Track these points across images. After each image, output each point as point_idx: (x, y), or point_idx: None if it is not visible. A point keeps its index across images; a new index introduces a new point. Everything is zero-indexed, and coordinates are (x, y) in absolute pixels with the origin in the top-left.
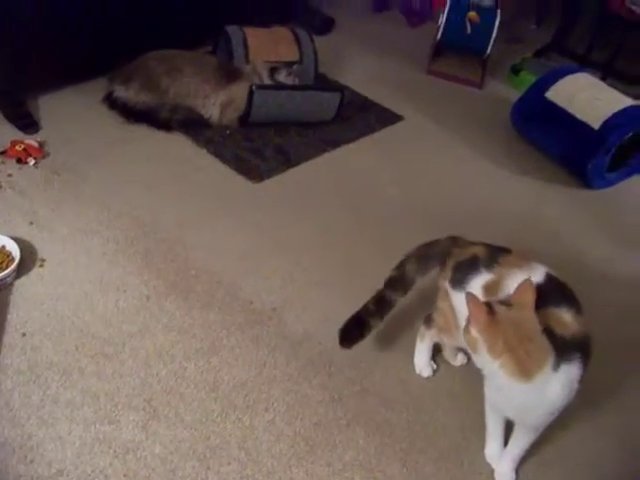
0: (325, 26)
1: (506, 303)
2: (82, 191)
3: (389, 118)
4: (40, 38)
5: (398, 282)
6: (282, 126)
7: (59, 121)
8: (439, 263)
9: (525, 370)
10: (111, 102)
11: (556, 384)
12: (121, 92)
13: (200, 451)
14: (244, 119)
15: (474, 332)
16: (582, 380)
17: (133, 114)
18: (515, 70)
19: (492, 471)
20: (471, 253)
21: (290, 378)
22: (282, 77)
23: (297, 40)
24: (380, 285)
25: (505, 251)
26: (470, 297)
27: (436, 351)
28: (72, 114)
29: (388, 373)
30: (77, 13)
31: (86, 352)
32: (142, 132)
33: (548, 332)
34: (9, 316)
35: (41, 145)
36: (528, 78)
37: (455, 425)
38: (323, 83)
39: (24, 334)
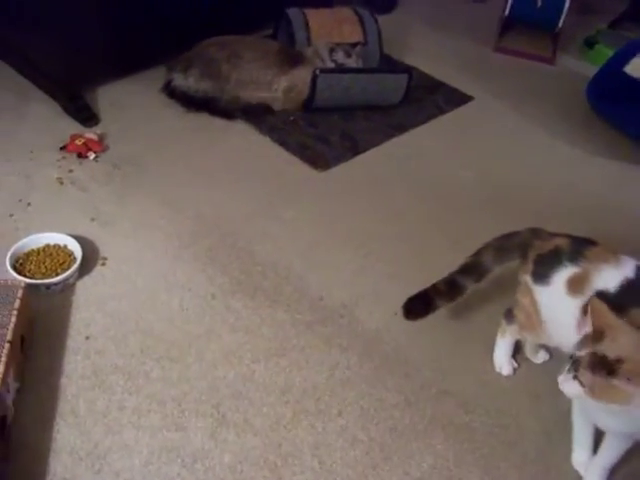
0: (388, 4)
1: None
2: (143, 184)
3: (458, 99)
4: (95, 28)
5: (472, 268)
6: (347, 111)
7: (118, 113)
8: (519, 255)
9: None
10: (170, 91)
11: None
12: (180, 80)
13: (271, 459)
14: (308, 104)
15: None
16: None
17: (193, 103)
18: (589, 43)
19: (581, 479)
20: (554, 245)
21: (364, 380)
22: (340, 57)
23: (360, 20)
24: None
25: (591, 243)
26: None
27: (517, 349)
28: (131, 105)
29: (467, 373)
30: (132, 2)
31: (151, 355)
32: (203, 121)
33: None
34: (72, 318)
35: (101, 138)
36: (604, 51)
37: (539, 428)
38: (388, 64)
39: (87, 337)
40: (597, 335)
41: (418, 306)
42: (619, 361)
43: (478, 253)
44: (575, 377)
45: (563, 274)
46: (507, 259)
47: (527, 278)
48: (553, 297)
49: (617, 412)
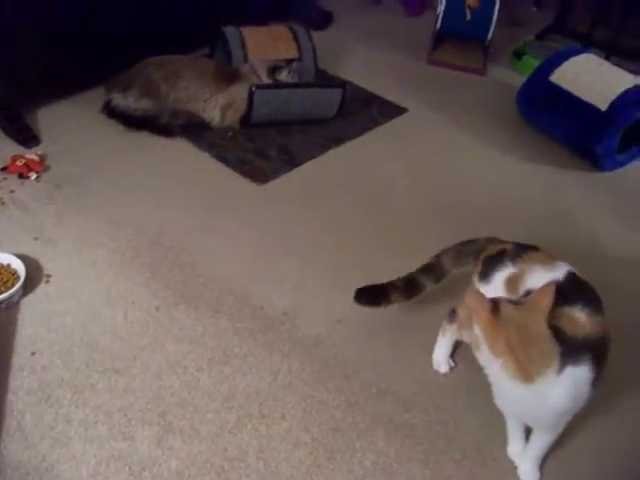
0: (323, 21)
1: (516, 303)
2: (85, 203)
3: (393, 111)
4: (34, 51)
5: (432, 268)
6: (284, 125)
7: (59, 133)
8: (474, 259)
9: (525, 373)
10: (110, 111)
11: (559, 388)
12: (120, 100)
13: (217, 464)
14: (245, 120)
15: (476, 329)
16: (596, 382)
17: (133, 121)
18: (518, 54)
19: (517, 469)
20: (501, 248)
21: (305, 384)
22: (283, 76)
23: (295, 37)
24: None
25: (532, 248)
26: (474, 293)
27: (455, 349)
28: (71, 125)
29: (405, 373)
30: (70, 24)
31: (97, 368)
32: (143, 139)
33: (558, 332)
34: (17, 335)
35: (42, 159)
36: (531, 62)
37: (476, 423)
38: (324, 79)
39: (33, 353)
40: None
41: (372, 294)
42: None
43: (438, 256)
44: None
45: (503, 274)
46: (464, 262)
47: (474, 278)
48: (492, 295)
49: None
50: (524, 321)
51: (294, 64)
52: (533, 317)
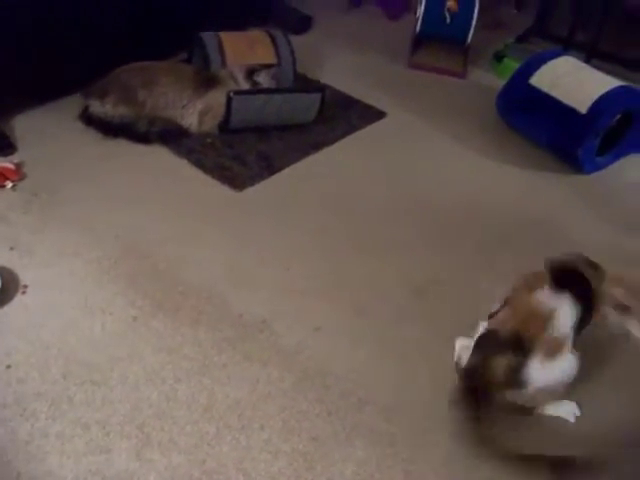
0: (303, 25)
1: None
2: (62, 212)
3: (372, 115)
4: (10, 57)
5: None
6: (263, 131)
7: (35, 141)
8: None
9: None
10: (87, 118)
11: None
12: (97, 107)
13: (196, 476)
14: (224, 126)
15: None
16: None
17: (111, 129)
18: (498, 57)
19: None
20: None
21: (285, 393)
22: (262, 78)
23: (274, 42)
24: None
25: None
26: None
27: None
28: (48, 133)
29: (385, 382)
30: (47, 31)
31: (74, 380)
32: (121, 147)
33: None
34: None
35: (18, 167)
36: (512, 65)
37: (457, 430)
38: (303, 84)
39: (9, 366)
40: None
41: None
42: None
43: None
44: None
45: None
46: None
47: None
48: None
49: None
50: None
51: (273, 68)
52: None
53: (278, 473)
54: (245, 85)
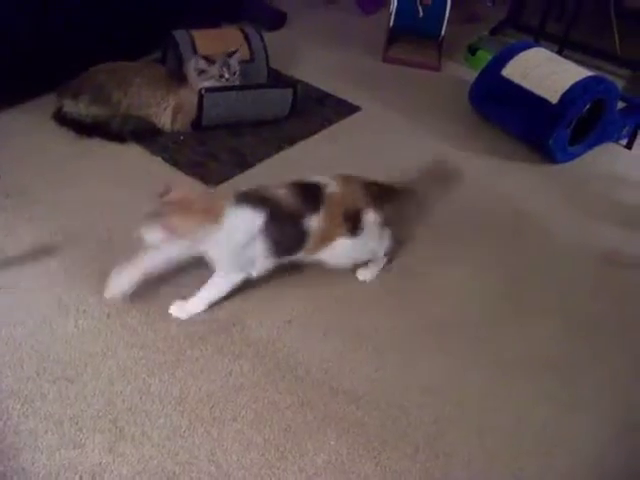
0: (277, 21)
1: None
2: (35, 212)
3: (346, 109)
4: None
5: None
6: (236, 127)
7: (8, 141)
8: None
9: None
10: (61, 118)
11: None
12: (71, 107)
13: (169, 468)
14: (196, 123)
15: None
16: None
17: (84, 128)
18: (472, 50)
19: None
20: None
21: (257, 385)
22: (233, 60)
23: (247, 38)
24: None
25: None
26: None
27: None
28: (21, 133)
29: (356, 371)
30: (19, 30)
31: (47, 377)
32: (95, 146)
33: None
34: None
35: None
36: (485, 57)
37: (428, 418)
38: (277, 79)
39: None
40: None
41: None
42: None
43: None
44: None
45: None
46: None
47: None
48: None
49: None
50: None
51: (235, 55)
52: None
53: (250, 464)
54: (217, 70)
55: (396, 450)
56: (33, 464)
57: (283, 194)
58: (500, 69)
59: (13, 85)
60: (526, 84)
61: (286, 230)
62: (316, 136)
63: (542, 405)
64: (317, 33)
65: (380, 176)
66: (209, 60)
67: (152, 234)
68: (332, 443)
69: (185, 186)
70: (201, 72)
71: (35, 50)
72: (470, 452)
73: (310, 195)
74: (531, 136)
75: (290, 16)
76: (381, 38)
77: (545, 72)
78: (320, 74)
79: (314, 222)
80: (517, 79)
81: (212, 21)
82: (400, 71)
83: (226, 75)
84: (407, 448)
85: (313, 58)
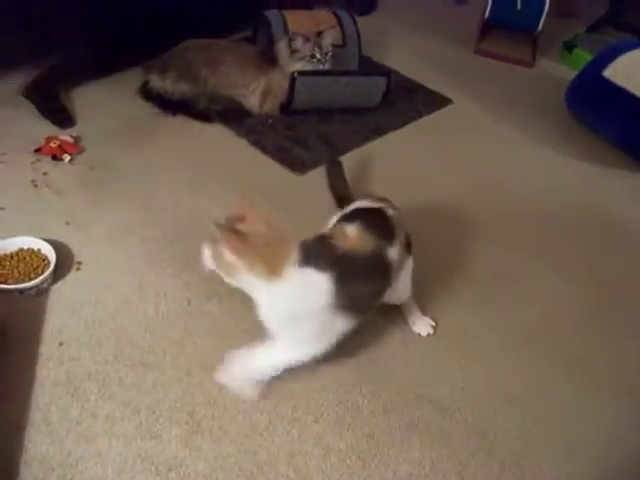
0: (367, 6)
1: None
2: (119, 188)
3: (437, 102)
4: (75, 29)
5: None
6: (325, 113)
7: (94, 114)
8: None
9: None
10: (146, 93)
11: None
12: (157, 82)
13: (247, 467)
14: (286, 107)
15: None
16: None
17: (170, 105)
18: (568, 47)
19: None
20: None
21: (340, 386)
22: (325, 40)
23: (339, 22)
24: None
25: None
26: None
27: None
28: (107, 107)
29: (443, 379)
30: (110, 4)
31: (125, 362)
32: (179, 124)
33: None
34: (45, 324)
35: (76, 140)
36: (583, 55)
37: (515, 433)
38: (368, 66)
39: (61, 343)
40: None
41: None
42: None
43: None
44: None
45: None
46: None
47: None
48: None
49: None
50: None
51: (324, 34)
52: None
53: (330, 470)
54: (309, 49)
55: (481, 466)
56: (110, 450)
57: (356, 236)
58: (602, 69)
59: (102, 58)
60: (630, 87)
61: (367, 278)
62: (406, 128)
63: (635, 431)
64: (407, 20)
65: (471, 179)
66: (305, 37)
67: (204, 256)
68: (416, 454)
69: (263, 216)
70: (294, 51)
71: (125, 24)
72: (559, 474)
73: (380, 224)
74: (632, 143)
75: (380, 1)
76: (471, 29)
77: None
78: (410, 62)
79: (394, 254)
80: (620, 81)
81: (303, 3)
82: (491, 64)
83: (317, 55)
84: (493, 465)
85: (403, 45)
